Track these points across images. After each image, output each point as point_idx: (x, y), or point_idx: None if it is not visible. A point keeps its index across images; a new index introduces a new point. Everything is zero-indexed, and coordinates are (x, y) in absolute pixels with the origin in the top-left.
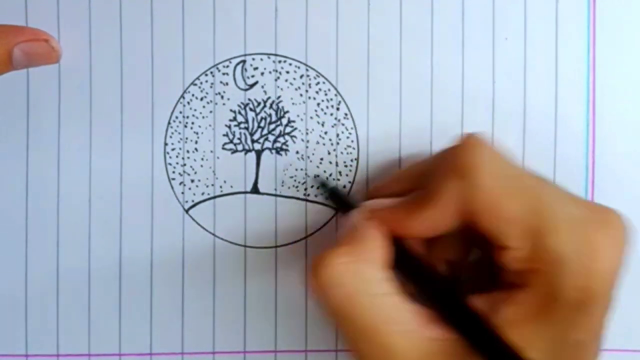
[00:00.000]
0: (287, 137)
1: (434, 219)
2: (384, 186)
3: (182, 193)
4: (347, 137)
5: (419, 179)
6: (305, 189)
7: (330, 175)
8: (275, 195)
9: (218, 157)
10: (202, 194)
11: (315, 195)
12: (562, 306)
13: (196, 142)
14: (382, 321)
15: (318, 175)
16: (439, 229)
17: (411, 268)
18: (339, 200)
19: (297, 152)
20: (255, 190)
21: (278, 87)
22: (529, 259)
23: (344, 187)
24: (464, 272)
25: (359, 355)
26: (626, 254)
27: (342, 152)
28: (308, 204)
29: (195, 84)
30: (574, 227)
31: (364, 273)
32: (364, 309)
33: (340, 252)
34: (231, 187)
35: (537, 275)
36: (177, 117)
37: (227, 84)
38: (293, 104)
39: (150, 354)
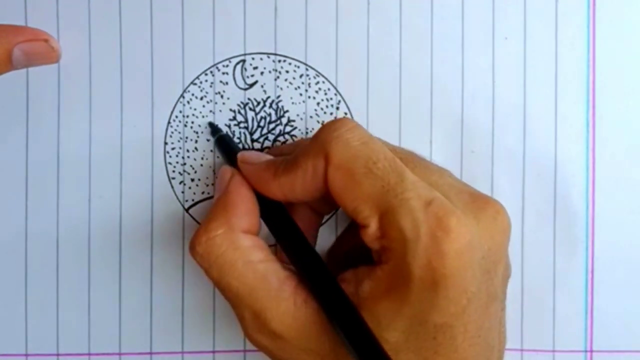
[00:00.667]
0: (287, 136)
1: (295, 185)
2: (280, 148)
3: (182, 192)
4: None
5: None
6: None
7: None
8: None
9: (218, 157)
10: (202, 193)
11: None
12: (414, 285)
13: (196, 142)
14: (256, 287)
15: (212, 123)
16: (298, 195)
17: (282, 230)
18: (224, 147)
19: None
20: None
21: (278, 86)
22: (382, 236)
23: None
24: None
25: (240, 322)
26: (497, 239)
27: None
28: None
29: (195, 84)
30: (428, 207)
31: (235, 242)
32: (239, 277)
33: (213, 225)
34: None
35: (389, 252)
36: (177, 117)
37: (226, 83)
38: (293, 103)
39: (150, 353)
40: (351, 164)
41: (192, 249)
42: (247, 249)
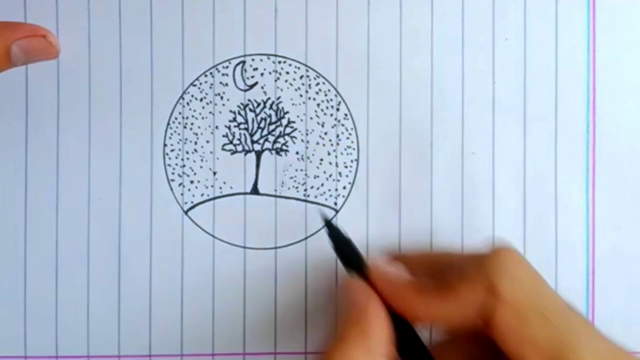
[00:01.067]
0: (287, 137)
1: (446, 311)
2: (408, 257)
3: (182, 194)
4: (347, 138)
5: (437, 267)
6: (305, 190)
7: (331, 175)
8: (275, 196)
9: (218, 158)
10: (202, 195)
11: (315, 196)
12: None
13: (195, 143)
14: None
15: (327, 215)
16: (446, 321)
17: (414, 355)
18: (347, 254)
19: (297, 153)
20: (255, 191)
21: (278, 87)
22: None
23: (344, 187)
24: None
25: None
26: None
27: (342, 153)
28: (308, 204)
29: (195, 85)
30: None
31: None
32: None
33: (350, 345)
34: (231, 188)
35: None
36: (176, 118)
37: (226, 84)
38: (293, 104)
39: (150, 355)
40: (524, 305)
41: None
42: None
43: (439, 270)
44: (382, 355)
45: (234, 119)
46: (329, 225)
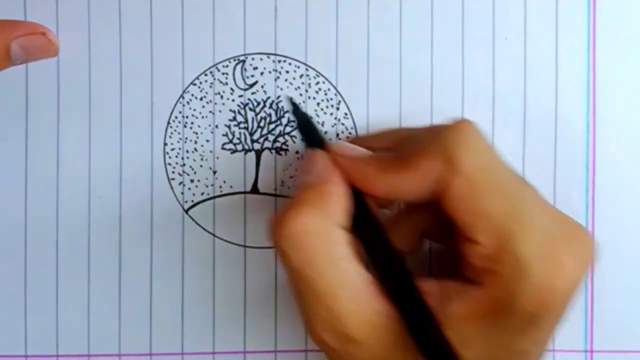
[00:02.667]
0: (287, 137)
1: (404, 184)
2: (363, 139)
3: (182, 193)
4: (348, 137)
5: (401, 143)
6: None
7: None
8: (275, 195)
9: (218, 157)
10: (202, 194)
11: None
12: (514, 315)
13: (196, 142)
14: (337, 286)
15: (292, 98)
16: (404, 195)
17: (368, 232)
18: (309, 133)
19: (297, 152)
20: (255, 190)
21: (278, 86)
22: (493, 259)
23: None
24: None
25: (307, 317)
26: (586, 274)
27: None
28: None
29: (195, 84)
30: (545, 238)
31: (328, 235)
32: (322, 273)
33: (305, 210)
34: (231, 187)
35: (497, 277)
36: (176, 117)
37: (226, 83)
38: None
39: (150, 354)
40: (479, 175)
41: (277, 228)
42: (338, 244)
43: (402, 145)
44: (338, 225)
45: (234, 118)
46: (294, 104)
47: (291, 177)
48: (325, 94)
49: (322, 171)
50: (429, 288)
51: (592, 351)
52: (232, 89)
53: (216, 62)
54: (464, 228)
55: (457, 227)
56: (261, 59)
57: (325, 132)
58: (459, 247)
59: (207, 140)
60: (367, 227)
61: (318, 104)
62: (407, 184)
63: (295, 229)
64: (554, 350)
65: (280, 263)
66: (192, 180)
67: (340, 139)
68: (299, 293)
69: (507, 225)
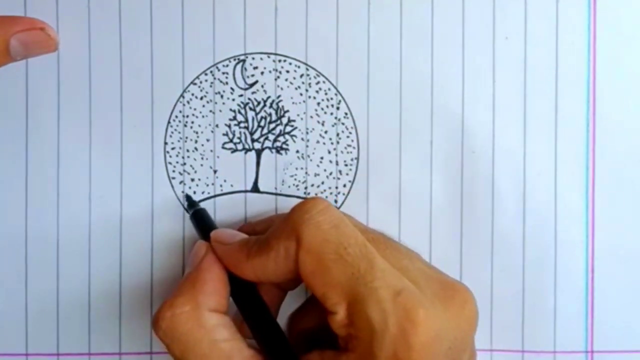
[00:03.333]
0: (287, 136)
1: (267, 267)
2: (254, 224)
3: (182, 192)
4: (347, 137)
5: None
6: (306, 188)
7: (331, 174)
8: (276, 194)
9: (218, 156)
10: (202, 192)
11: (316, 194)
12: None
13: (196, 142)
14: None
15: (189, 196)
16: (270, 276)
17: (249, 309)
18: (200, 223)
19: (297, 151)
20: (255, 189)
21: (278, 86)
22: (350, 325)
23: (344, 185)
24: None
25: None
26: (465, 328)
27: (342, 152)
28: None
29: (195, 83)
30: (397, 296)
31: (201, 321)
32: (203, 356)
33: (180, 301)
34: (231, 186)
35: (357, 341)
36: (176, 117)
37: (226, 83)
38: (293, 103)
39: (151, 353)
40: (321, 249)
41: (155, 323)
42: (212, 328)
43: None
44: (210, 309)
45: (234, 118)
46: (187, 197)
47: (291, 176)
48: (326, 94)
49: (199, 260)
50: (310, 358)
51: (592, 351)
52: (232, 88)
53: (216, 61)
54: (321, 300)
55: (316, 296)
56: (261, 59)
57: (326, 132)
58: (327, 319)
59: (208, 140)
60: (247, 304)
61: (318, 103)
62: (269, 265)
63: (169, 321)
64: (554, 352)
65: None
66: (192, 179)
67: (340, 138)
68: None
69: (354, 290)
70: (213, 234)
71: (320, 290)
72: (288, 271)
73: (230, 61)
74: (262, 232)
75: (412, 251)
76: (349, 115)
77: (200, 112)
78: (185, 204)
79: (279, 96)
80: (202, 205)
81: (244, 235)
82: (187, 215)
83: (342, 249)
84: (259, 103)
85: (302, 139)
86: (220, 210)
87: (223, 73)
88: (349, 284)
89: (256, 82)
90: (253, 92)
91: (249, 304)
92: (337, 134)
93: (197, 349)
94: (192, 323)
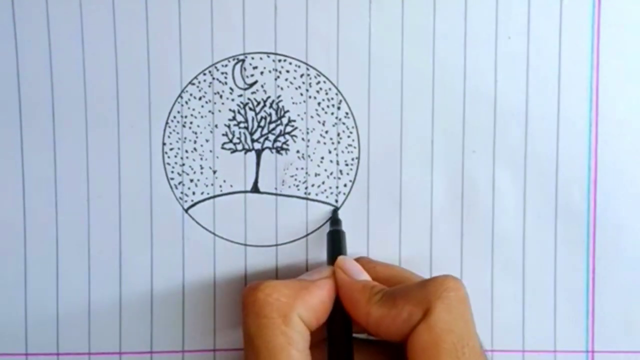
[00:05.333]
0: (287, 136)
1: (385, 321)
2: (374, 264)
3: (182, 192)
4: (348, 136)
5: (396, 282)
6: (306, 188)
7: (331, 173)
8: (276, 194)
9: (217, 157)
10: (202, 193)
11: (316, 194)
12: None
13: (195, 142)
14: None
15: (336, 211)
16: (379, 332)
17: (333, 340)
18: (333, 243)
19: (298, 152)
20: (255, 189)
21: (278, 86)
22: None
23: (345, 185)
24: None
25: None
26: None
27: (342, 151)
28: (309, 202)
29: (193, 83)
30: None
31: (289, 320)
32: (269, 349)
33: (283, 291)
34: (231, 186)
35: None
36: (175, 117)
37: (225, 83)
38: (293, 103)
39: (151, 352)
40: (442, 334)
41: (251, 291)
42: (292, 331)
43: (396, 284)
44: (300, 316)
45: (234, 118)
46: (334, 212)
47: (292, 176)
48: (326, 94)
49: (318, 277)
50: None
51: (593, 351)
52: (231, 88)
53: (215, 61)
54: None
55: None
56: (261, 58)
57: (326, 132)
58: None
59: (207, 140)
60: (336, 332)
61: (319, 103)
62: (384, 321)
63: (263, 297)
64: (555, 351)
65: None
66: (191, 180)
67: (341, 138)
68: (245, 351)
69: None
70: (340, 260)
71: None
72: (397, 334)
73: (229, 61)
74: (382, 277)
75: None
76: (349, 115)
77: (199, 113)
78: (330, 217)
79: (279, 96)
80: (202, 205)
81: (368, 276)
82: (187, 215)
83: (461, 345)
84: (258, 103)
85: (303, 139)
86: (220, 211)
87: (222, 73)
88: None
89: (256, 82)
90: (253, 92)
91: (337, 338)
92: (338, 134)
93: (269, 340)
94: (279, 314)
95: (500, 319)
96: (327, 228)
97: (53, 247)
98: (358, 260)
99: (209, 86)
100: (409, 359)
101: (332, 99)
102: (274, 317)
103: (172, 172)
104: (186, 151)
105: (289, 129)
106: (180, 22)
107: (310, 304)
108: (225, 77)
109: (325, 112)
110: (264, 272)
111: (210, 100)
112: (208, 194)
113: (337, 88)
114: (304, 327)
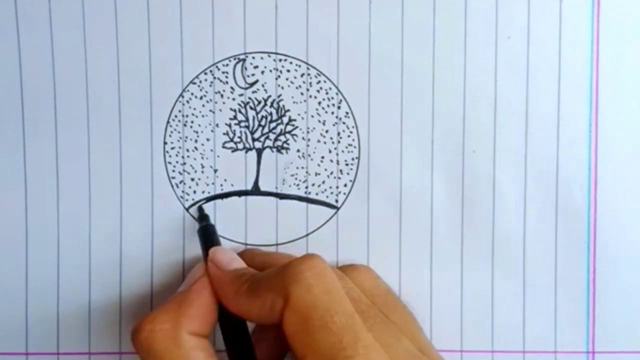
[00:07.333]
0: (288, 135)
1: (251, 310)
2: (254, 254)
3: (183, 192)
4: (349, 136)
5: (265, 267)
6: (306, 188)
7: (332, 173)
8: (276, 194)
9: (218, 156)
10: (203, 192)
11: (316, 194)
12: None
13: (196, 141)
14: None
15: (202, 208)
16: (252, 318)
17: (232, 337)
18: (205, 238)
19: (298, 151)
20: (256, 188)
21: (279, 85)
22: None
23: (345, 185)
24: None
25: None
26: None
27: (343, 151)
28: (309, 202)
29: (195, 83)
30: None
31: (178, 341)
32: None
33: (161, 318)
34: (232, 185)
35: None
36: (176, 116)
37: (226, 82)
38: (294, 102)
39: None
40: (308, 312)
41: (134, 335)
42: (189, 350)
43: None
44: (190, 332)
45: (235, 117)
46: (200, 209)
47: (292, 175)
48: (327, 93)
49: (192, 281)
50: None
51: (594, 352)
52: (232, 87)
53: (216, 60)
54: (298, 357)
55: (294, 355)
56: (262, 58)
57: (327, 131)
58: None
59: (208, 139)
60: (231, 333)
61: (319, 102)
62: (253, 311)
63: (147, 335)
64: (555, 352)
65: None
66: (192, 179)
67: (341, 138)
68: None
69: (334, 357)
70: (211, 251)
71: (300, 351)
72: (270, 321)
73: (230, 60)
74: (259, 266)
75: (401, 330)
76: (349, 115)
77: (200, 112)
78: (197, 215)
79: (279, 95)
80: (202, 205)
81: (241, 263)
82: (187, 215)
83: (329, 316)
84: (259, 102)
85: (303, 138)
86: (221, 210)
87: (223, 72)
88: (329, 352)
89: (256, 81)
90: (253, 92)
91: (232, 335)
92: (338, 134)
93: None
94: (169, 342)
95: (500, 319)
96: (327, 228)
97: (54, 247)
98: (243, 252)
99: (210, 85)
100: (287, 342)
101: (333, 98)
102: (165, 348)
103: (173, 171)
104: (187, 150)
105: (289, 128)
106: (182, 22)
107: (194, 315)
108: (226, 77)
109: (326, 112)
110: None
111: (211, 100)
112: (209, 193)
113: (337, 88)
114: (199, 339)
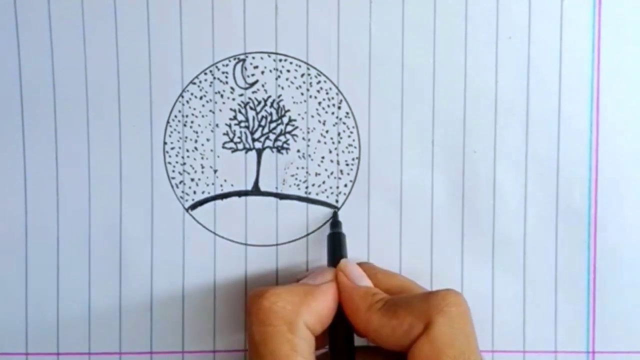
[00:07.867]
0: (288, 135)
1: (385, 330)
2: (376, 271)
3: (183, 192)
4: (349, 136)
5: (398, 291)
6: (307, 188)
7: (332, 173)
8: (277, 194)
9: (218, 156)
10: (203, 192)
11: (317, 194)
12: None
13: (196, 141)
14: None
15: (336, 213)
16: (378, 341)
17: (339, 343)
18: (333, 245)
19: (299, 151)
20: (256, 188)
21: (279, 85)
22: None
23: (345, 185)
24: None
25: None
26: None
27: (343, 151)
28: (309, 202)
29: (194, 83)
30: None
31: (295, 327)
32: (274, 356)
33: (287, 298)
34: (232, 185)
35: None
36: (176, 116)
37: (226, 82)
38: (294, 102)
39: (151, 352)
40: (445, 347)
41: (255, 298)
42: (299, 338)
43: (398, 294)
44: (304, 322)
45: (235, 117)
46: (334, 214)
47: (292, 175)
48: (327, 93)
49: (321, 282)
50: None
51: (594, 352)
52: (232, 87)
53: (216, 61)
54: None
55: None
56: (262, 58)
57: (327, 131)
58: None
59: (208, 139)
60: (340, 342)
61: (319, 103)
62: (384, 330)
63: (268, 303)
64: (555, 352)
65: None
66: (192, 179)
67: (341, 138)
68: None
69: None
70: (343, 262)
71: None
72: (396, 345)
73: (230, 60)
74: (383, 285)
75: None
76: (350, 115)
77: (200, 112)
78: (331, 220)
79: (279, 95)
80: (203, 205)
81: (369, 282)
82: (187, 215)
83: (461, 354)
84: (259, 102)
85: (303, 138)
86: (221, 210)
87: (223, 72)
88: None
89: (256, 81)
90: (253, 92)
91: (340, 345)
92: (338, 134)
93: (275, 348)
94: (284, 322)
95: (500, 319)
96: (327, 228)
97: (54, 247)
98: (360, 265)
99: (210, 85)
100: None
101: (333, 98)
102: (279, 325)
103: (173, 171)
104: (187, 150)
105: (289, 128)
106: (182, 22)
107: (315, 310)
108: (226, 77)
109: (326, 112)
110: (264, 272)
111: (211, 100)
112: (209, 193)
113: (337, 88)
114: (309, 333)
